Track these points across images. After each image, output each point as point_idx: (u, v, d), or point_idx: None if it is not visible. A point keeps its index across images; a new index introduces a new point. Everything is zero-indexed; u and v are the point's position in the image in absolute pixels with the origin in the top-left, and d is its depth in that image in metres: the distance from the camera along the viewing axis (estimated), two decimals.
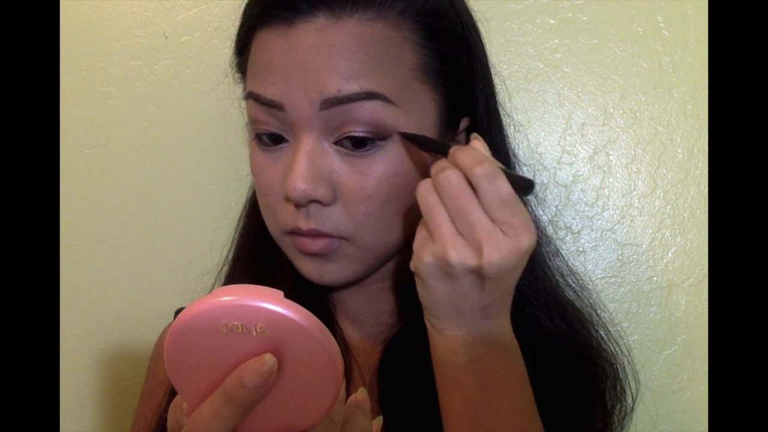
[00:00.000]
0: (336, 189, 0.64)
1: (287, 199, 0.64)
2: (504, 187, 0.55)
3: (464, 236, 0.57)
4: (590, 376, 0.73)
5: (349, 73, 0.61)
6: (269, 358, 0.43)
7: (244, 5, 0.68)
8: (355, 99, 0.61)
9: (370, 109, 0.62)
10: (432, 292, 0.60)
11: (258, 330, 0.43)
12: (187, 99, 1.01)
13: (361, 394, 0.50)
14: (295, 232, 0.65)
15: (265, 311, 0.42)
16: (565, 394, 0.69)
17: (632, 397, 0.76)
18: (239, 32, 0.69)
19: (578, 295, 0.78)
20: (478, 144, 0.60)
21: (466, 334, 0.60)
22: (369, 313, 0.74)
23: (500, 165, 0.58)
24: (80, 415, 1.03)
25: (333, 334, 0.74)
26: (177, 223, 1.02)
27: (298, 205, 0.64)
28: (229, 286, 0.44)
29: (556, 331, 0.71)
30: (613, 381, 0.74)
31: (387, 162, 0.63)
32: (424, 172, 0.65)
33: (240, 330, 0.43)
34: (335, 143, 0.63)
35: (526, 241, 0.56)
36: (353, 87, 0.61)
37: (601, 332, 0.77)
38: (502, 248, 0.55)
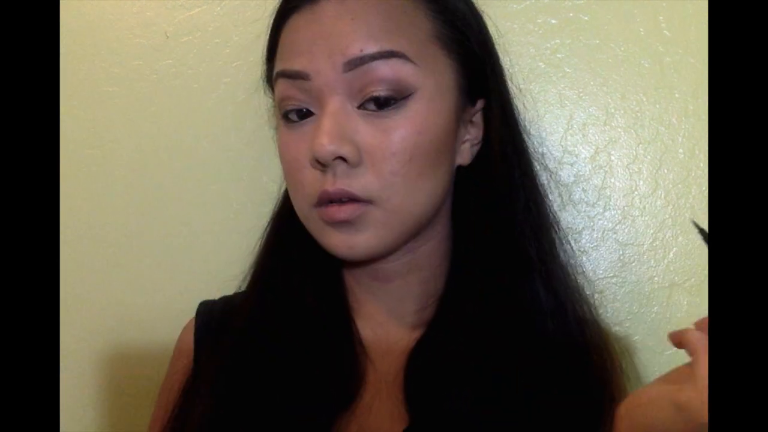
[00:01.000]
0: (361, 150, 0.66)
1: (314, 162, 0.66)
2: None
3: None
4: (597, 370, 0.72)
5: (369, 35, 0.65)
6: None
7: (272, 12, 0.72)
8: (377, 57, 0.65)
9: (390, 67, 0.65)
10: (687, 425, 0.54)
11: None
12: (188, 99, 1.01)
13: None
14: (323, 199, 0.66)
15: None
16: (572, 381, 0.69)
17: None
18: (269, 37, 0.73)
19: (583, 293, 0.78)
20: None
21: None
22: (390, 314, 0.74)
23: None
24: (80, 415, 1.03)
25: (350, 336, 0.73)
26: (177, 223, 1.02)
27: (324, 167, 0.66)
28: None
29: (548, 312, 0.72)
30: (618, 378, 0.74)
31: (410, 120, 0.66)
32: (446, 136, 0.68)
33: None
34: (359, 107, 0.66)
35: None
36: (374, 47, 0.65)
37: (607, 329, 0.77)
38: None
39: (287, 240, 0.75)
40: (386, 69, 0.65)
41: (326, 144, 0.64)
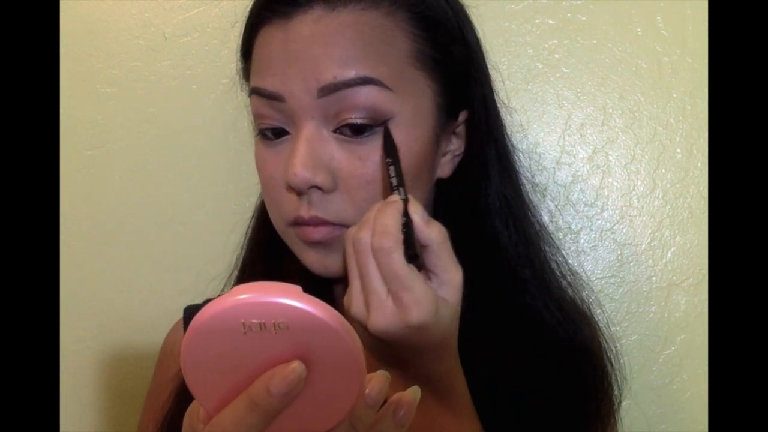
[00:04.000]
0: (336, 176, 0.65)
1: (289, 188, 0.65)
2: (395, 263, 0.56)
3: (363, 295, 0.58)
4: (589, 370, 0.73)
5: (344, 60, 0.63)
6: (297, 365, 0.41)
7: (246, 11, 0.70)
8: (351, 84, 0.63)
9: (365, 94, 0.63)
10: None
11: (278, 327, 0.41)
12: (186, 100, 1.01)
13: (407, 396, 0.47)
14: (298, 222, 0.66)
15: (283, 307, 0.40)
16: (564, 384, 0.69)
17: (619, 395, 0.76)
18: (243, 37, 0.71)
19: (576, 294, 0.78)
20: (390, 210, 0.58)
21: (393, 373, 0.60)
22: None
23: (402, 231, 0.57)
24: (80, 415, 1.03)
25: None
26: (176, 223, 1.02)
27: (299, 194, 0.65)
28: (245, 284, 0.42)
29: (555, 324, 0.72)
30: (610, 377, 0.74)
31: None
32: (423, 159, 0.67)
33: (259, 329, 0.41)
34: (334, 131, 0.65)
35: (414, 316, 0.55)
36: (349, 73, 0.63)
37: (601, 329, 0.77)
38: (388, 317, 0.56)
39: (271, 237, 0.74)
40: (361, 96, 0.63)
41: (300, 174, 0.63)
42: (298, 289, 0.41)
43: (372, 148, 0.64)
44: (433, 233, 0.58)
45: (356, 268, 0.58)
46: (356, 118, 0.63)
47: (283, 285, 0.41)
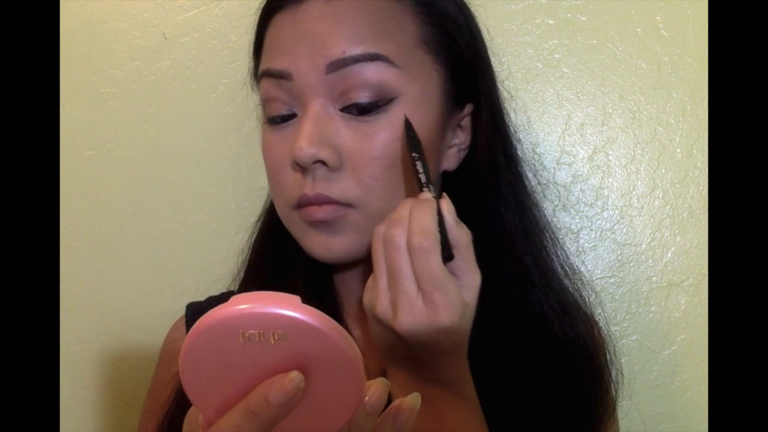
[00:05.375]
0: (342, 154, 0.65)
1: (295, 165, 0.65)
2: (434, 264, 0.56)
3: (391, 294, 0.58)
4: (586, 367, 0.73)
5: (353, 37, 0.64)
6: (296, 376, 0.41)
7: (259, 10, 0.71)
8: (360, 60, 0.64)
9: (374, 70, 0.64)
10: (370, 329, 0.61)
11: (276, 338, 0.41)
12: (186, 100, 1.01)
13: (407, 402, 0.47)
14: (302, 202, 0.66)
15: (282, 318, 0.41)
16: (561, 382, 0.69)
17: (617, 394, 0.75)
18: (256, 33, 0.72)
19: (576, 292, 0.78)
20: (427, 209, 0.58)
21: (406, 375, 0.61)
22: None
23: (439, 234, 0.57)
24: (80, 416, 1.03)
25: None
26: (176, 223, 1.02)
27: (305, 170, 0.65)
28: (244, 293, 0.42)
29: (553, 317, 0.72)
30: (608, 375, 0.74)
31: (393, 125, 0.65)
32: (429, 141, 0.67)
33: (258, 339, 0.41)
34: (341, 110, 0.65)
35: (444, 319, 0.56)
36: (357, 48, 0.64)
37: (599, 327, 0.77)
38: (418, 317, 0.56)
39: (276, 241, 0.75)
40: (369, 72, 0.64)
41: (305, 148, 0.63)
42: (297, 299, 0.41)
43: (379, 127, 0.65)
44: (462, 235, 0.58)
45: (384, 266, 0.58)
46: (363, 97, 0.64)
47: (283, 295, 0.42)
